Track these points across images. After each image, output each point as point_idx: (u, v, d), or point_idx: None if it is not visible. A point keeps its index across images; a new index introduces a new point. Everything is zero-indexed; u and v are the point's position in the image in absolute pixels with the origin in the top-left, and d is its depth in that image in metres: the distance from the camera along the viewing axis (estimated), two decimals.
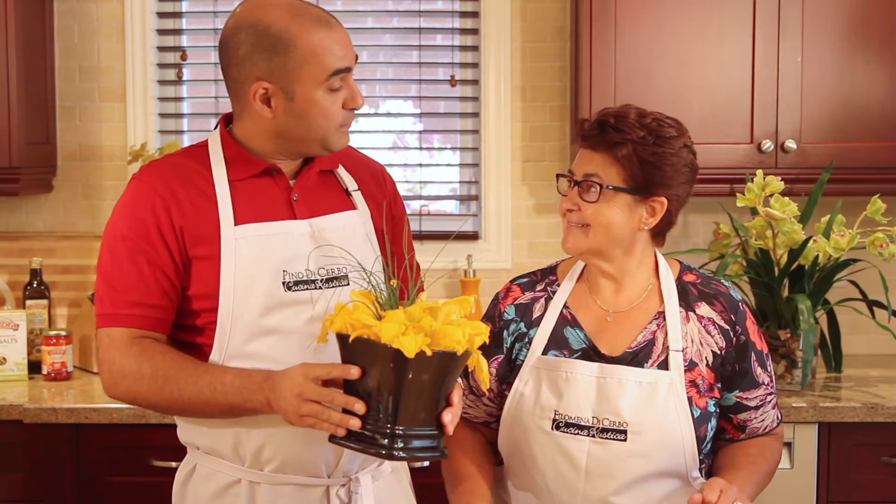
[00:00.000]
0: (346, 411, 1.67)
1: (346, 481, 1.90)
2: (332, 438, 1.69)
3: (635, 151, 1.85)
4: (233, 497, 1.88)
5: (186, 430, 1.93)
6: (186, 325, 1.87)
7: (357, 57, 1.87)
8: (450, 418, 1.68)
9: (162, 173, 1.87)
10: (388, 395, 1.63)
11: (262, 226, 1.85)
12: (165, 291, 1.83)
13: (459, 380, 1.84)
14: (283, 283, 1.83)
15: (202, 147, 1.92)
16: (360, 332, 1.62)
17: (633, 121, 1.86)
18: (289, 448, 1.84)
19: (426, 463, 2.49)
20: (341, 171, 1.98)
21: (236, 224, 1.83)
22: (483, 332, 1.66)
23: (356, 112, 1.90)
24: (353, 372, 1.65)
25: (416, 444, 1.66)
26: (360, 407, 1.64)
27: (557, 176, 1.97)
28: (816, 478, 2.65)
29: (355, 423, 1.65)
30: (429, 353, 1.59)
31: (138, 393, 1.82)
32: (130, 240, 1.82)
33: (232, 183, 1.87)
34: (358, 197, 1.97)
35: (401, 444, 1.64)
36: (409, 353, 1.57)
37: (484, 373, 1.70)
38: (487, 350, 1.99)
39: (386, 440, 1.64)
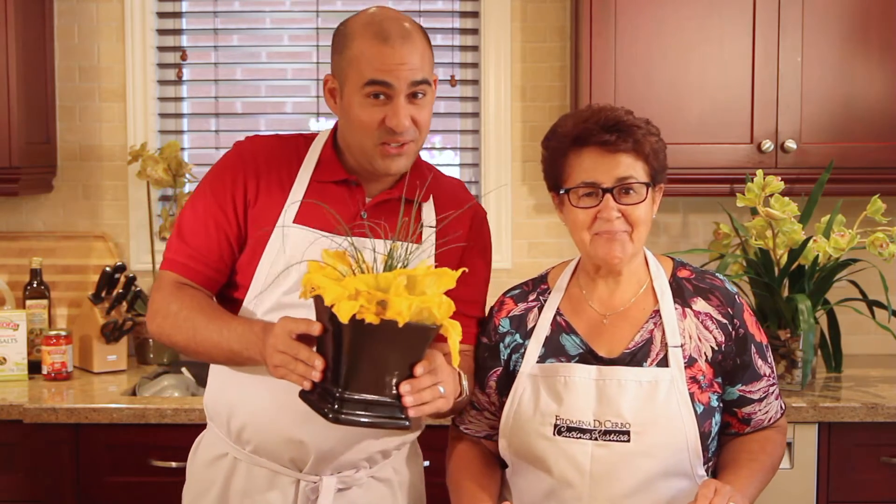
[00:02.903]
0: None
1: (317, 479, 1.94)
2: (301, 394, 1.73)
3: (651, 145, 1.86)
4: (218, 468, 1.98)
5: (207, 393, 2.04)
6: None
7: (415, 83, 1.85)
8: (408, 388, 1.68)
9: (258, 149, 1.98)
10: (336, 358, 1.66)
11: (313, 232, 1.90)
12: (223, 256, 1.95)
13: (466, 365, 1.82)
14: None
15: (309, 139, 2.01)
16: (317, 291, 1.65)
17: (632, 117, 1.87)
18: (263, 434, 1.92)
19: (425, 464, 2.48)
20: (428, 207, 1.99)
21: (294, 221, 1.91)
22: (433, 306, 1.63)
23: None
24: (314, 328, 1.70)
25: (365, 410, 1.67)
26: (318, 363, 1.68)
27: (571, 191, 1.87)
28: (816, 478, 2.65)
29: (315, 376, 1.68)
30: (371, 320, 1.59)
31: (163, 329, 1.93)
32: (210, 201, 1.95)
33: (312, 183, 1.94)
34: (430, 234, 1.96)
35: (347, 409, 1.65)
36: (343, 317, 1.58)
37: (452, 348, 1.69)
38: (486, 363, 2.00)
39: (336, 404, 1.66)
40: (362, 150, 1.90)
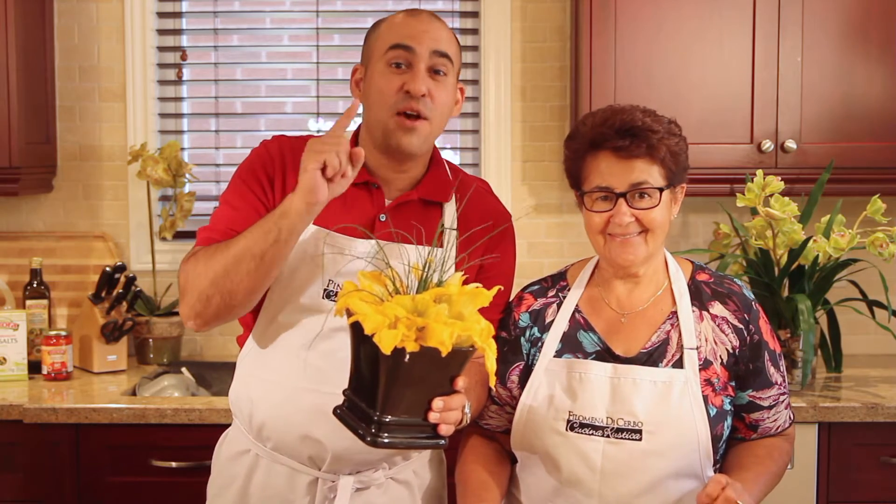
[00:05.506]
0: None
1: (335, 478, 1.94)
2: (337, 413, 1.70)
3: (668, 148, 1.86)
4: (240, 464, 2.01)
5: (231, 390, 2.03)
6: None
7: (437, 52, 1.89)
8: (440, 405, 1.65)
9: (284, 149, 1.97)
10: (375, 383, 1.63)
11: (331, 234, 1.90)
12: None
13: (482, 374, 1.81)
14: (325, 289, 1.90)
15: None
16: (355, 317, 1.61)
17: (650, 119, 1.86)
18: (282, 432, 1.92)
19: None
20: (449, 208, 1.99)
21: (315, 223, 1.90)
22: (475, 333, 1.61)
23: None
24: (354, 106, 1.79)
25: (402, 433, 1.66)
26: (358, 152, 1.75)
27: (587, 194, 1.89)
28: (816, 478, 2.65)
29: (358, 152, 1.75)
30: (412, 349, 1.56)
31: (197, 278, 1.83)
32: (243, 189, 1.93)
33: None
34: (450, 237, 1.94)
35: (385, 433, 1.64)
36: (385, 348, 1.55)
37: (489, 370, 1.67)
38: (506, 358, 1.99)
39: (374, 427, 1.64)
40: (380, 123, 1.90)
